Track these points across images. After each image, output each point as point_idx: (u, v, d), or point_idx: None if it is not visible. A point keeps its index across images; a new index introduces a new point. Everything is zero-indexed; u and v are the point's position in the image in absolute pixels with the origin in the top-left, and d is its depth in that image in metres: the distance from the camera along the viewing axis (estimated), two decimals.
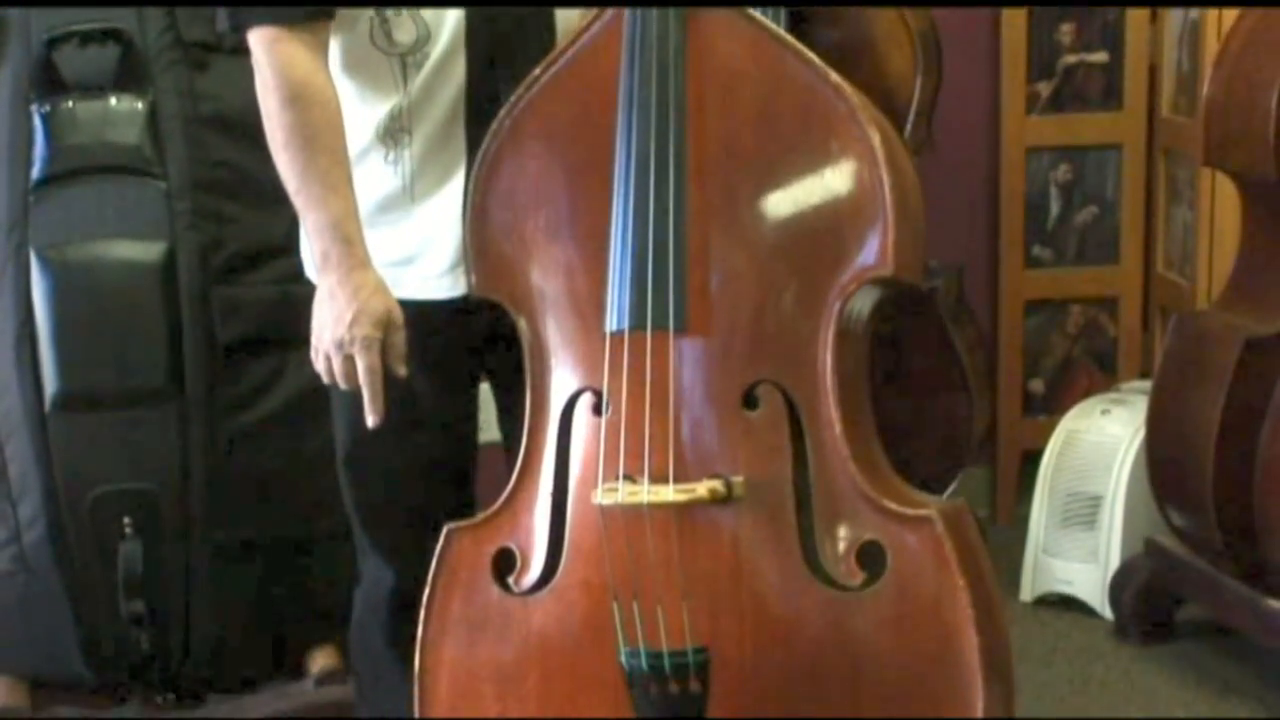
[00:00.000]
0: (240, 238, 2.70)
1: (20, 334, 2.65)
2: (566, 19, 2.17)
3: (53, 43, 2.70)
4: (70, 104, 2.70)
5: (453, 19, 2.12)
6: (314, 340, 2.10)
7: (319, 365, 2.09)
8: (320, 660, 2.77)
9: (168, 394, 2.64)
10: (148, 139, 2.71)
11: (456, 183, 2.15)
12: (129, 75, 2.71)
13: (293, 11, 2.07)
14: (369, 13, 2.11)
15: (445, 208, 2.16)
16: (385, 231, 2.16)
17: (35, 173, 2.70)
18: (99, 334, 2.64)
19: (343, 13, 2.10)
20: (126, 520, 2.64)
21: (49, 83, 2.71)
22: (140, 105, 2.70)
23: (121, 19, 2.71)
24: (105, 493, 2.64)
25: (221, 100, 2.72)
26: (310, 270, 2.21)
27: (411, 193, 2.17)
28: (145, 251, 2.66)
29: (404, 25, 2.11)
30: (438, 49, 2.12)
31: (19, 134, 2.71)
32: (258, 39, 2.07)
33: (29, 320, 2.64)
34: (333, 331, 2.06)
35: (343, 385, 2.07)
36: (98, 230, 2.68)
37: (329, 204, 2.07)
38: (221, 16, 2.21)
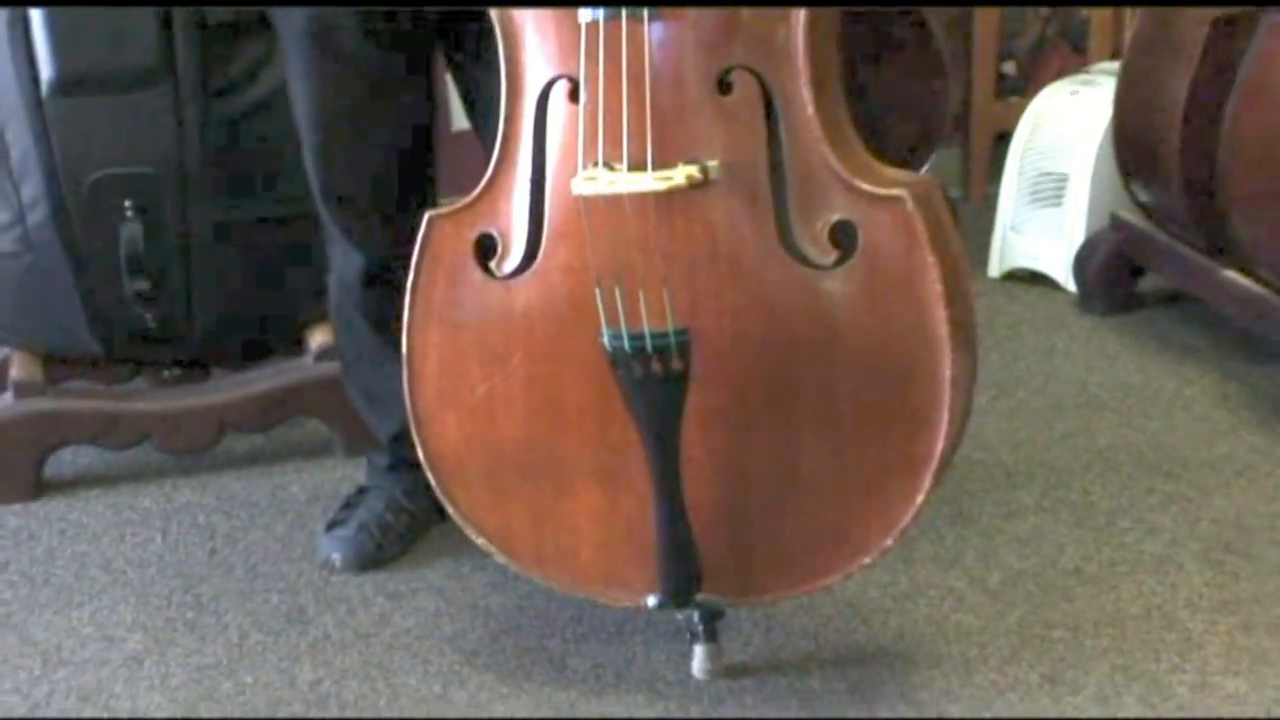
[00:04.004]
0: None
1: (13, 18, 2.54)
2: None
3: None
4: None
5: None
6: None
7: None
8: (318, 337, 2.74)
9: (160, 75, 2.55)
10: None
11: None
12: None
13: None
14: None
15: None
16: None
17: None
18: (90, 15, 2.54)
19: None
20: (127, 202, 2.59)
21: None
22: None
23: None
24: (105, 176, 2.58)
25: None
26: None
27: None
28: None
29: None
30: None
31: None
32: None
33: (20, 4, 2.54)
34: None
35: None
36: None
37: None
38: None
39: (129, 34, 2.54)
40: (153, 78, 2.55)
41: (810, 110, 1.89)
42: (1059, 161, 3.42)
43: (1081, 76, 3.55)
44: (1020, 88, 3.87)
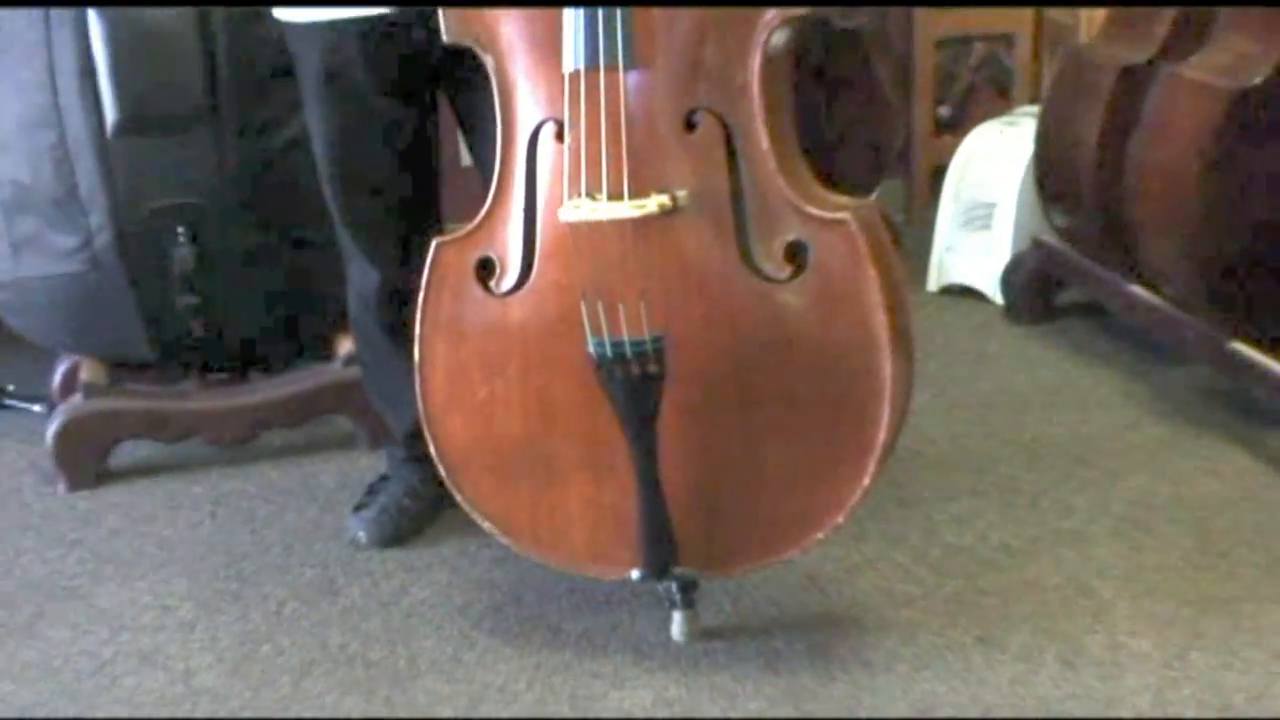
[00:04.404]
0: None
1: (82, 70, 2.52)
2: None
3: None
4: None
5: None
6: None
7: None
8: (345, 345, 2.71)
9: (206, 119, 2.53)
10: None
11: None
12: None
13: None
14: None
15: None
16: None
17: None
18: (147, 69, 2.52)
19: None
20: (179, 228, 2.56)
21: None
22: None
23: None
24: (160, 206, 2.55)
25: None
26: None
27: None
28: None
29: None
30: None
31: None
32: None
33: (88, 58, 2.51)
34: None
35: None
36: None
37: None
38: None
39: (179, 83, 2.52)
40: (199, 121, 2.53)
41: (765, 145, 1.88)
42: (988, 191, 3.39)
43: (1007, 118, 3.53)
44: (954, 127, 3.84)
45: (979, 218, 3.41)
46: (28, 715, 2.00)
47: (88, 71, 2.51)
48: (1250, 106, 2.56)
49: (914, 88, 3.82)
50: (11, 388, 2.95)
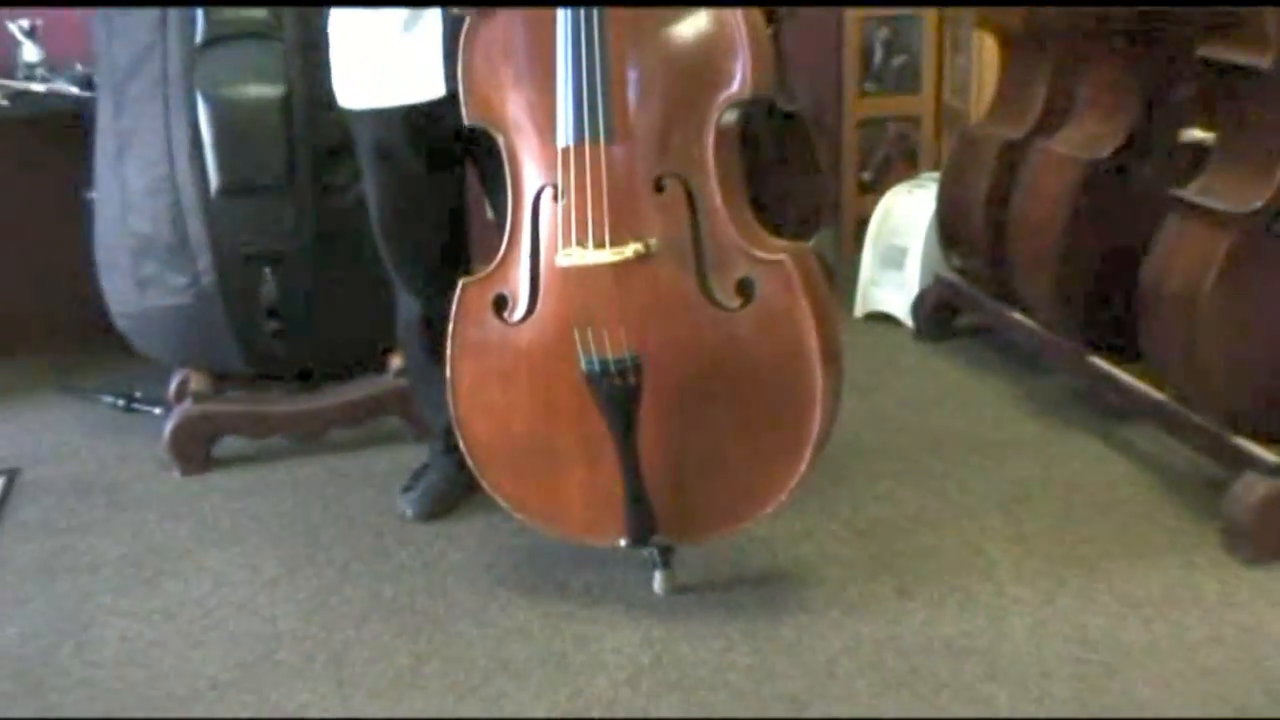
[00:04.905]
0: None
1: (192, 146, 2.50)
2: None
3: None
4: None
5: None
6: None
7: None
8: (395, 360, 2.67)
9: (286, 184, 2.51)
10: (271, 13, 2.51)
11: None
12: None
13: None
14: None
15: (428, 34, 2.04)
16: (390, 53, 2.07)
17: (198, 38, 2.50)
18: (243, 145, 2.49)
19: None
20: (266, 270, 2.54)
21: None
22: None
23: None
24: (252, 252, 2.53)
25: None
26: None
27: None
28: (271, 90, 2.49)
29: None
30: None
31: (186, 13, 2.51)
32: None
33: (197, 136, 2.49)
34: None
35: None
36: (240, 76, 2.50)
37: None
38: None
39: (266, 157, 2.49)
40: (282, 187, 2.51)
41: (719, 202, 1.87)
42: (901, 238, 3.37)
43: (915, 180, 3.51)
44: (874, 188, 3.82)
45: (894, 259, 3.38)
46: (153, 649, 1.98)
47: (196, 147, 2.49)
48: (1101, 174, 2.56)
49: (842, 157, 3.81)
50: (138, 394, 2.91)
